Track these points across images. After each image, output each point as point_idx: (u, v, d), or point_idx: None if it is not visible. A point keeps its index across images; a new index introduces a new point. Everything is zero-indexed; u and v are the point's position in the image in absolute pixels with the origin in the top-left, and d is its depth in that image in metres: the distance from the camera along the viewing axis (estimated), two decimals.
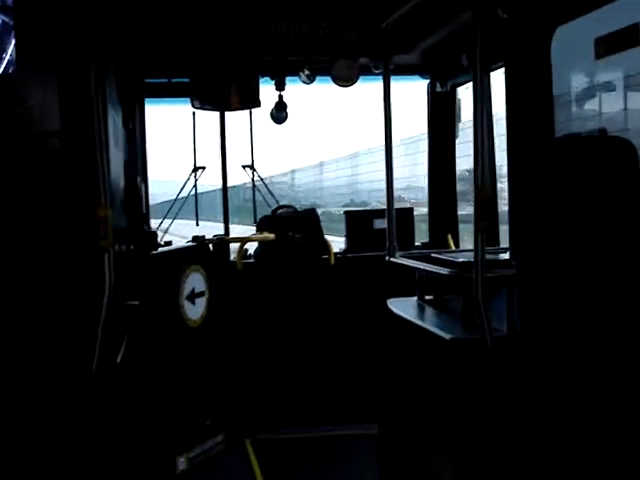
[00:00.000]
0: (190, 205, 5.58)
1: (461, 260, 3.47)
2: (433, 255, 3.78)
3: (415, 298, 4.07)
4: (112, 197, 3.31)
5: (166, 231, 5.39)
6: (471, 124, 3.61)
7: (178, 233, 6.09)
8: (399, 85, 4.91)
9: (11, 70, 3.28)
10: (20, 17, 3.26)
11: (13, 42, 3.27)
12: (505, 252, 3.80)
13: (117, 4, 3.60)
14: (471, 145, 3.42)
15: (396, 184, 4.13)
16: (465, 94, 5.59)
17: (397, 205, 4.16)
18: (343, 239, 5.75)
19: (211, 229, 5.85)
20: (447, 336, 3.21)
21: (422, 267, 3.62)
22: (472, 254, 3.74)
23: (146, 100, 5.18)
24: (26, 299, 3.23)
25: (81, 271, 3.27)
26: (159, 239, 4.66)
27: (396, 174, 4.15)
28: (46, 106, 3.25)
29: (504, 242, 4.72)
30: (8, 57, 3.27)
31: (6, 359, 3.18)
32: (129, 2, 4.00)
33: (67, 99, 3.25)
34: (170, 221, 5.60)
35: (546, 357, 2.64)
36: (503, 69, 3.76)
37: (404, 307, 3.97)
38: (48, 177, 3.27)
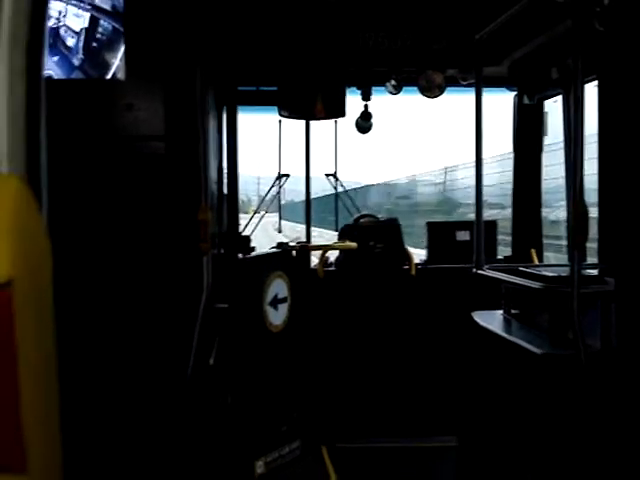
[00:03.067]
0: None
1: (553, 275, 3.43)
2: (521, 269, 3.74)
3: (500, 311, 4.04)
4: (210, 201, 3.38)
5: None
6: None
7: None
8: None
9: (120, 75, 3.40)
10: (130, 23, 3.37)
11: (123, 48, 3.38)
12: (590, 268, 3.73)
13: (218, 13, 3.67)
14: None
15: None
16: (551, 108, 5.54)
17: None
18: None
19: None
20: (538, 351, 3.17)
21: (514, 280, 3.59)
22: (558, 269, 3.70)
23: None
24: (127, 297, 3.32)
25: (179, 272, 3.34)
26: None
27: None
28: (152, 110, 3.35)
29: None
30: (118, 62, 3.39)
31: (107, 358, 3.28)
32: (227, 11, 4.08)
33: (172, 104, 3.34)
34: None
35: None
36: (591, 83, 3.73)
37: (490, 320, 3.94)
38: (151, 179, 3.36)
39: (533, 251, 5.41)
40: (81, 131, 3.44)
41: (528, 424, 3.33)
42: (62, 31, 3.43)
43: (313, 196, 5.94)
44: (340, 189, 5.84)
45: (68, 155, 3.37)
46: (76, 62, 3.43)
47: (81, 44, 3.42)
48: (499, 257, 5.59)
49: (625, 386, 2.76)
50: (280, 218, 5.79)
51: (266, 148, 5.69)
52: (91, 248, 3.39)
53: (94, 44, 3.42)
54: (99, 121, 3.47)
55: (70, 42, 3.43)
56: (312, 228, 5.87)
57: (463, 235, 5.47)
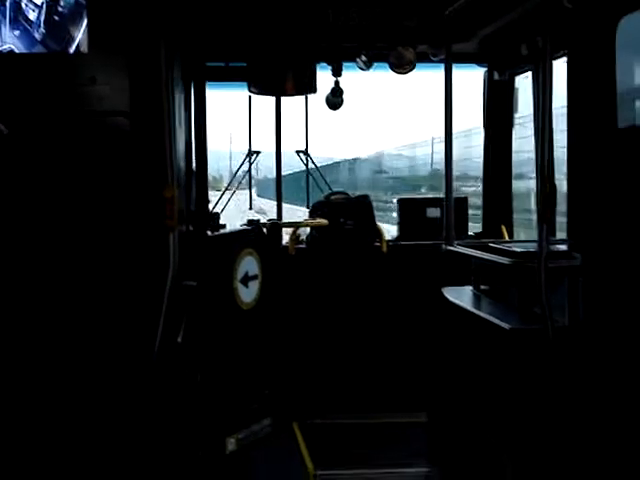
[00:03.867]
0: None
1: (522, 250, 3.44)
2: (491, 245, 3.75)
3: (470, 287, 4.06)
4: (177, 177, 3.34)
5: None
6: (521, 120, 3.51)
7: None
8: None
9: (82, 49, 3.34)
10: None
11: (85, 21, 3.32)
12: (559, 244, 3.75)
13: None
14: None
15: None
16: (522, 84, 5.53)
17: None
18: None
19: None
20: (506, 326, 3.19)
21: (483, 256, 3.60)
22: (528, 245, 3.72)
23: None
24: (91, 275, 3.28)
25: (145, 250, 3.31)
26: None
27: None
28: (116, 85, 3.30)
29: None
30: (80, 35, 3.33)
31: (72, 336, 3.25)
32: None
33: (137, 79, 3.29)
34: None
35: (615, 346, 2.61)
36: (562, 59, 3.73)
37: (460, 296, 3.96)
38: (116, 155, 3.31)
39: (503, 227, 5.43)
40: (43, 106, 3.38)
41: (497, 398, 3.35)
42: (23, 4, 3.36)
43: (289, 172, 5.91)
44: (312, 166, 5.81)
45: (30, 130, 3.32)
46: (38, 36, 3.36)
47: (43, 17, 3.35)
48: (470, 233, 5.61)
49: (591, 360, 2.78)
50: (251, 195, 5.75)
51: (239, 123, 5.64)
52: (53, 225, 3.35)
53: (56, 17, 3.35)
54: (62, 96, 3.40)
55: (32, 16, 3.36)
56: (289, 206, 5.85)
57: (433, 212, 5.48)
